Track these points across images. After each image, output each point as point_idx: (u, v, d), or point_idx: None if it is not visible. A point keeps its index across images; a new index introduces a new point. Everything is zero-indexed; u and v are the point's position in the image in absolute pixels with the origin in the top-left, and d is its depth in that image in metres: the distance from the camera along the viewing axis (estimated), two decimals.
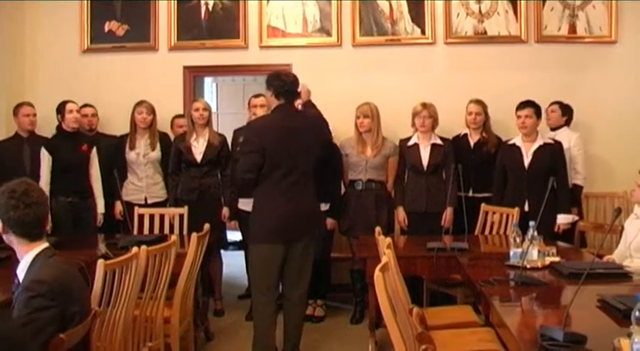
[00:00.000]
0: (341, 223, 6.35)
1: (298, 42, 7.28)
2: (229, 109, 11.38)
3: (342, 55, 7.25)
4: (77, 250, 4.93)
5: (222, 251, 6.75)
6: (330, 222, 6.20)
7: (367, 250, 5.14)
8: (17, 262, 3.14)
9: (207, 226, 5.18)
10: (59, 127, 6.41)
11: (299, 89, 5.06)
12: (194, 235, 4.82)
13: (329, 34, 7.26)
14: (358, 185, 6.29)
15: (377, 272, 3.20)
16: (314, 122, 5.16)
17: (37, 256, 3.05)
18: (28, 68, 7.52)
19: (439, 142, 6.31)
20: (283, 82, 4.92)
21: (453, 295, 5.68)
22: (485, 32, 7.19)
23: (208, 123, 6.57)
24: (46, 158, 6.25)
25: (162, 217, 6.15)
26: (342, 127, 6.42)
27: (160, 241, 4.90)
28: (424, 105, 6.28)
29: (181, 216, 6.08)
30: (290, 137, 4.86)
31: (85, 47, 7.52)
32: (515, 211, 5.76)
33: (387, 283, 3.23)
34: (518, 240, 4.49)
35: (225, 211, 6.47)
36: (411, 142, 6.32)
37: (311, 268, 5.15)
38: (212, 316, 6.37)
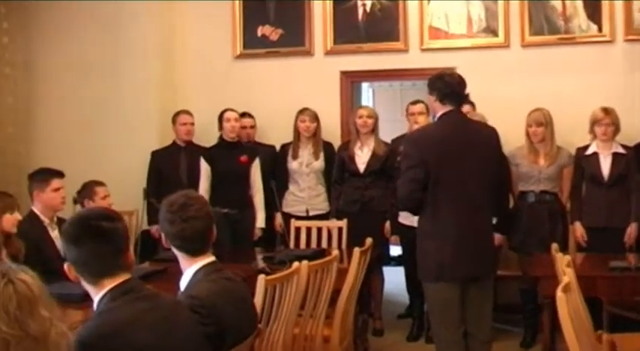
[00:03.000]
0: (511, 238, 6.22)
1: (462, 43, 7.19)
2: (386, 116, 11.31)
3: (510, 57, 7.10)
4: (233, 264, 5.05)
5: (383, 267, 6.77)
6: (497, 237, 5.98)
7: (541, 268, 5.03)
8: (181, 274, 3.25)
9: (369, 240, 5.17)
10: (221, 137, 6.62)
11: (467, 91, 4.67)
12: (356, 249, 4.82)
13: (495, 34, 7.14)
14: (530, 197, 6.15)
15: (559, 293, 3.12)
16: (488, 131, 4.75)
17: (199, 270, 3.12)
18: (179, 75, 7.78)
19: (621, 150, 6.08)
20: (447, 84, 4.51)
21: (637, 320, 5.47)
22: None
23: (374, 131, 6.61)
24: (204, 168, 6.44)
25: (319, 230, 6.24)
26: (511, 135, 6.27)
27: (320, 256, 4.97)
28: (605, 111, 6.05)
29: (341, 229, 6.15)
30: (459, 151, 4.45)
31: (238, 53, 7.72)
32: None
33: (570, 306, 3.14)
34: None
35: (388, 224, 6.48)
36: (589, 151, 6.12)
37: (491, 305, 4.73)
38: (371, 335, 6.40)
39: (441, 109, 4.57)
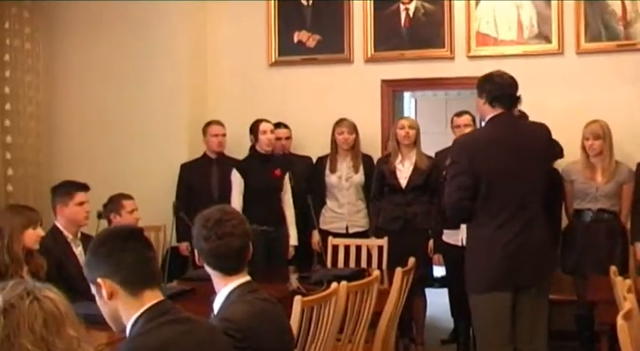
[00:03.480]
0: (565, 259, 6.12)
1: (512, 50, 7.10)
2: (429, 128, 11.26)
3: (564, 65, 7.00)
4: (267, 283, 5.03)
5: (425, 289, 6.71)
6: None
7: (598, 293, 4.96)
8: (210, 293, 3.24)
9: (412, 260, 5.16)
10: (253, 148, 6.59)
11: (519, 93, 4.68)
12: (399, 270, 4.80)
13: (548, 40, 7.04)
14: (586, 216, 6.06)
15: (620, 321, 3.06)
16: (538, 129, 4.76)
17: (233, 291, 3.10)
18: (210, 84, 7.82)
19: None
20: (497, 85, 4.54)
21: None
22: None
23: (415, 143, 6.58)
24: (237, 181, 6.43)
25: (358, 248, 6.22)
26: (565, 149, 6.21)
27: (359, 276, 4.98)
28: None
29: (381, 248, 6.12)
30: (511, 155, 4.47)
31: (273, 60, 7.72)
32: None
33: (632, 334, 3.08)
34: None
35: (431, 243, 6.44)
36: None
37: (546, 320, 4.73)
38: None
39: (490, 112, 4.58)
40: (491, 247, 4.48)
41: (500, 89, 4.54)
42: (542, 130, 4.74)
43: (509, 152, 4.49)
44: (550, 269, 4.80)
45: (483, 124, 4.82)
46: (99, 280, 2.58)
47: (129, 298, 2.57)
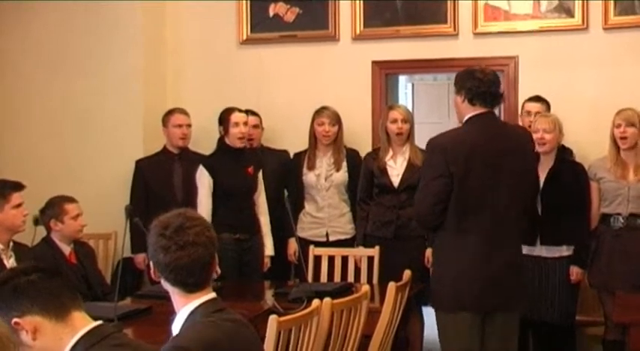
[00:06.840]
0: (591, 273, 6.10)
1: (527, 26, 7.05)
2: (428, 118, 11.33)
3: (588, 43, 6.95)
4: (238, 301, 5.02)
5: (423, 307, 6.70)
6: (575, 271, 5.97)
7: (630, 313, 4.96)
8: (170, 313, 3.19)
9: (407, 273, 5.17)
10: (221, 141, 6.54)
11: (501, 91, 4.91)
12: (392, 284, 4.79)
13: (570, 13, 6.99)
14: (616, 222, 6.00)
15: None
16: (524, 136, 5.06)
17: (195, 310, 3.05)
18: (170, 67, 7.78)
19: None
20: (479, 82, 4.74)
21: None
22: None
23: (409, 137, 6.58)
24: (206, 181, 6.33)
25: (345, 259, 6.22)
26: (589, 140, 6.22)
27: (346, 292, 5.02)
28: None
29: (371, 259, 6.12)
30: (492, 161, 4.68)
31: (244, 37, 7.69)
32: None
33: None
34: None
35: (429, 253, 6.39)
36: None
37: (516, 341, 5.01)
38: None
39: (470, 112, 4.80)
40: (462, 263, 4.70)
41: (483, 85, 4.75)
42: (527, 136, 5.10)
43: (490, 158, 4.70)
44: (526, 293, 5.07)
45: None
46: (15, 321, 2.56)
47: (57, 326, 2.57)
